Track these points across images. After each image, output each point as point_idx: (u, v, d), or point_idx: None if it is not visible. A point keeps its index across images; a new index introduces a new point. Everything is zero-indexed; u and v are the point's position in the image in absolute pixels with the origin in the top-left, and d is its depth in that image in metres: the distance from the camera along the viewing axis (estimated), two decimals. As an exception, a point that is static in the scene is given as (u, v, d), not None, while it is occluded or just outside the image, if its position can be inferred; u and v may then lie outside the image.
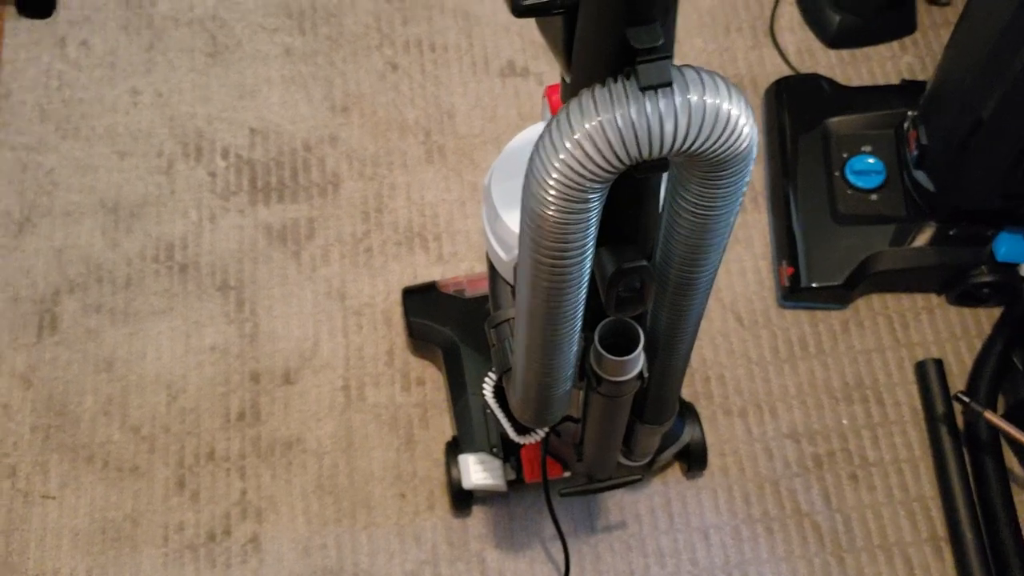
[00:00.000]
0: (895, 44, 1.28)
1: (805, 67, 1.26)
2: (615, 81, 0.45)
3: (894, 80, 1.25)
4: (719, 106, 0.45)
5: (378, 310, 1.18)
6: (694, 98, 0.45)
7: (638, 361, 0.66)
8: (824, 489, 1.09)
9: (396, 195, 1.23)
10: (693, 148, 0.46)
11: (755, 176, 1.22)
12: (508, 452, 1.01)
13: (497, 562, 1.05)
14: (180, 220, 1.22)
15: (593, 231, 0.52)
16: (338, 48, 1.32)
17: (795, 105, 1.19)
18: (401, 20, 1.33)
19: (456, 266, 1.20)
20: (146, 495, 1.10)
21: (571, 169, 0.47)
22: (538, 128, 0.74)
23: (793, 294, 1.13)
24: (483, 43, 1.31)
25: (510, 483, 1.01)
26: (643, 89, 0.44)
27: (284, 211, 1.22)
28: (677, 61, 0.46)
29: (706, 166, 0.48)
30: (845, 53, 1.28)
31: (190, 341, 1.16)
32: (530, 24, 1.42)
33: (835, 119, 1.16)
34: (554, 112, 0.68)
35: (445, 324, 1.09)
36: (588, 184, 0.47)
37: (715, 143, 0.46)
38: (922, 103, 1.08)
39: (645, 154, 0.46)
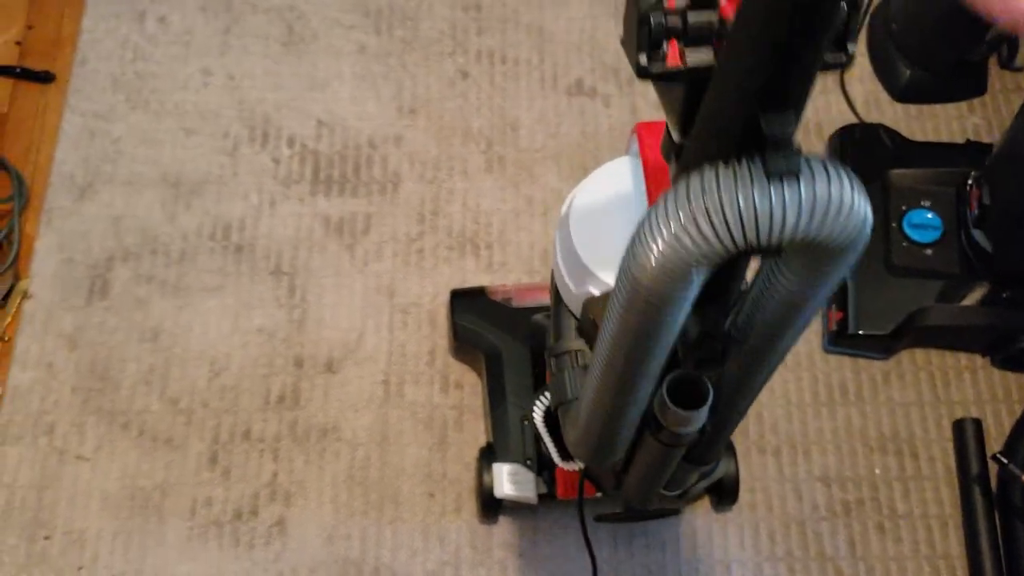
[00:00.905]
0: (963, 104, 1.29)
1: (871, 117, 1.27)
2: (739, 163, 0.45)
3: (959, 139, 1.26)
4: (842, 199, 0.44)
5: (424, 310, 1.19)
6: (819, 189, 0.44)
7: (702, 416, 0.65)
8: (850, 536, 1.08)
9: (453, 200, 1.25)
10: (810, 237, 0.45)
11: (811, 219, 1.23)
12: (542, 466, 1.01)
13: (519, 571, 1.06)
14: (240, 202, 1.24)
15: (689, 305, 0.50)
16: (411, 51, 1.34)
17: (858, 154, 1.20)
18: (476, 30, 1.35)
19: (505, 276, 1.21)
20: (178, 467, 1.11)
21: (681, 244, 0.45)
22: (622, 163, 0.72)
23: (839, 340, 1.14)
24: (554, 60, 1.33)
25: (540, 496, 1.01)
26: (768, 175, 0.44)
27: (343, 204, 1.24)
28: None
29: (817, 251, 0.47)
30: (912, 108, 1.28)
31: (238, 321, 1.18)
32: (601, 45, 1.43)
33: (897, 171, 1.17)
34: (643, 149, 0.68)
35: (490, 330, 1.10)
36: (695, 262, 0.46)
37: (832, 234, 0.45)
38: (988, 164, 1.09)
39: (763, 240, 0.45)
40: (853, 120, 1.26)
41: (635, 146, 0.69)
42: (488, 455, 1.04)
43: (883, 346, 1.14)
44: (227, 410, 1.13)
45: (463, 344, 1.13)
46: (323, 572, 1.06)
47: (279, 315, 1.18)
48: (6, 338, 1.17)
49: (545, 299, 1.07)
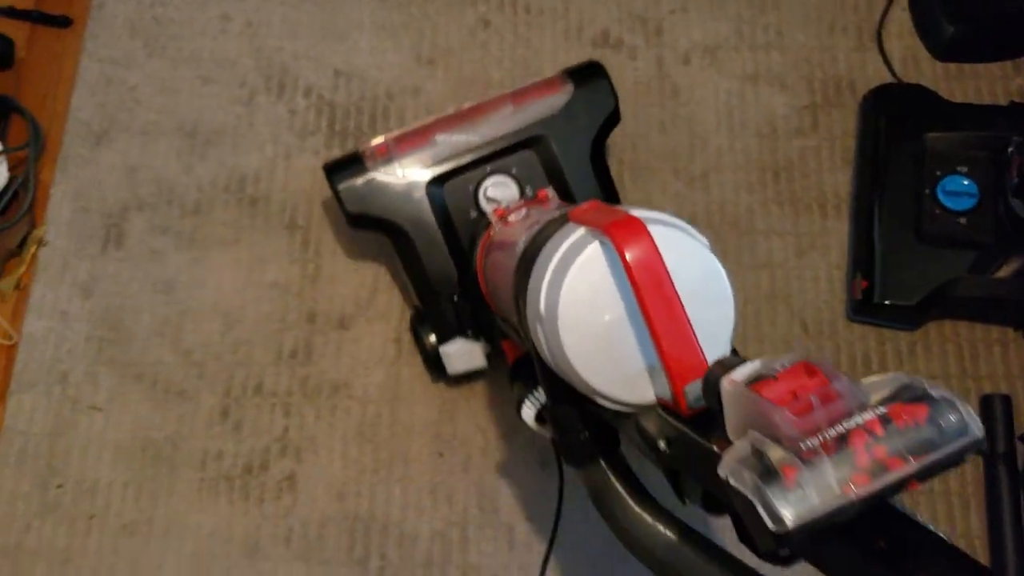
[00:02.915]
0: (1008, 64, 1.23)
1: (909, 76, 1.22)
2: None
3: (1002, 101, 1.20)
4: None
5: (439, 268, 1.17)
6: None
7: None
8: (867, 510, 1.06)
9: (472, 155, 1.21)
10: None
11: (840, 183, 1.19)
12: (479, 330, 1.02)
13: (526, 535, 1.05)
14: (256, 153, 1.22)
15: None
16: (432, -1, 1.30)
17: (893, 115, 1.14)
18: (499, -22, 1.30)
19: (523, 234, 1.18)
20: (189, 420, 1.11)
21: None
22: (594, 259, 0.56)
23: (864, 309, 1.10)
24: (580, 9, 1.28)
25: (488, 359, 1.03)
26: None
27: (359, 157, 1.21)
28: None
29: None
30: (953, 67, 1.22)
31: (252, 275, 1.16)
32: (631, -3, 1.35)
33: (933, 134, 1.11)
34: (623, 251, 0.54)
35: (388, 213, 1.02)
36: None
37: None
38: (1030, 129, 1.04)
39: None
40: (890, 79, 1.21)
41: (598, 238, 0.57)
42: (421, 321, 1.05)
43: (910, 316, 1.10)
44: (240, 364, 1.13)
45: (362, 231, 1.07)
46: (332, 528, 1.06)
47: (293, 270, 1.16)
48: (21, 285, 1.17)
49: (427, 143, 1.01)
